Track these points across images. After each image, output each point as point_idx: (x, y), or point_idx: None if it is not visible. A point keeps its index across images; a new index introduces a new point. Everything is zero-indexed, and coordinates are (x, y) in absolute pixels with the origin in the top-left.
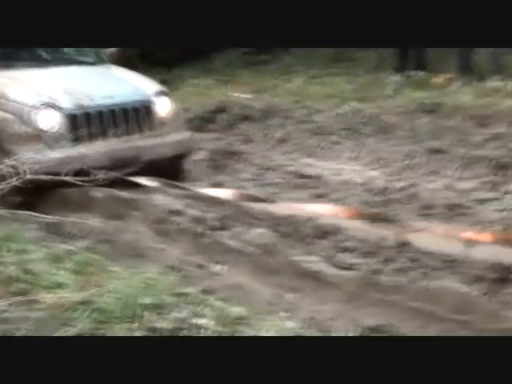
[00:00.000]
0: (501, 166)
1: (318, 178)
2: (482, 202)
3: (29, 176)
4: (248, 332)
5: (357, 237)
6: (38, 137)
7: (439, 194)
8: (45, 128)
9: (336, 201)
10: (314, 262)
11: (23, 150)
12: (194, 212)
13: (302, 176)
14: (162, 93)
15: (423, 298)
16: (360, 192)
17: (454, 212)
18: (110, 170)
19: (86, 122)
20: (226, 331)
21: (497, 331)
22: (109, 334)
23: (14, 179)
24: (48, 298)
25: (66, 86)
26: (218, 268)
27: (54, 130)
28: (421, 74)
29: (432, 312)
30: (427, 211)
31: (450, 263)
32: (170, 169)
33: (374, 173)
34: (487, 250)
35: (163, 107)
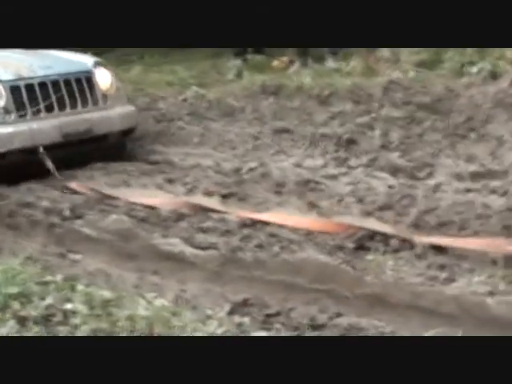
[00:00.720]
0: (346, 143)
1: (168, 163)
2: (332, 177)
3: None
4: (119, 312)
5: (213, 217)
6: None
7: (290, 172)
8: None
9: (188, 184)
10: (174, 244)
11: None
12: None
13: (152, 162)
14: (100, 64)
15: (284, 270)
16: (212, 174)
17: (307, 188)
18: (63, 146)
19: (29, 95)
20: (97, 313)
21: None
22: None
23: None
24: None
25: (1, 60)
26: (77, 256)
27: None
28: (259, 57)
29: (294, 283)
30: (280, 189)
31: (309, 236)
32: (115, 146)
33: (223, 155)
34: (344, 220)
35: (104, 79)
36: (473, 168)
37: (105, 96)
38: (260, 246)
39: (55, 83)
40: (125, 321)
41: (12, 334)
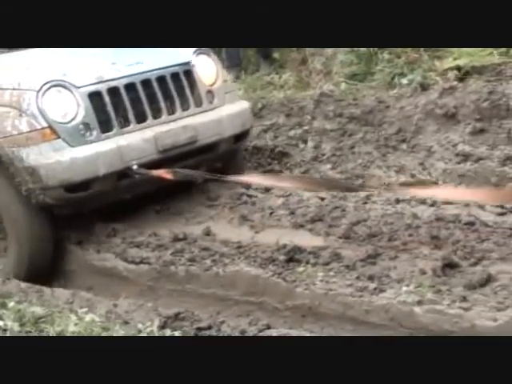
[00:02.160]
0: (278, 155)
1: None
2: (265, 190)
3: None
4: (49, 328)
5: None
6: (50, 131)
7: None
8: (57, 117)
9: None
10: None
11: (30, 154)
12: None
13: None
14: (201, 52)
15: (217, 284)
16: None
17: (240, 201)
18: (162, 164)
19: (114, 102)
20: (29, 330)
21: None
22: None
23: None
24: None
25: (71, 59)
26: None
27: (71, 119)
28: None
29: (226, 296)
30: (213, 202)
31: (240, 249)
32: (228, 155)
33: None
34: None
35: (208, 70)
36: (403, 178)
37: (210, 92)
38: (192, 260)
39: (146, 83)
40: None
41: None
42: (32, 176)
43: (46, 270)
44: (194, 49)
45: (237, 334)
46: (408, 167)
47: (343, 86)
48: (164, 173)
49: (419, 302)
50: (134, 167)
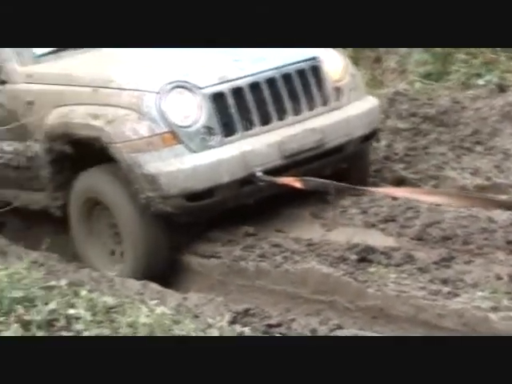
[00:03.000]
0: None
1: None
2: None
3: None
4: (121, 318)
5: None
6: (171, 136)
7: None
8: (178, 121)
9: None
10: None
11: (150, 160)
12: None
13: None
14: None
15: (287, 281)
16: None
17: None
18: (286, 169)
19: (237, 103)
20: (101, 320)
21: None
22: None
23: None
24: None
25: (192, 57)
26: None
27: (193, 122)
28: None
29: (296, 294)
30: None
31: (311, 246)
32: (355, 155)
33: None
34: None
35: (335, 65)
36: (478, 181)
37: (337, 89)
38: (263, 256)
39: (271, 81)
40: (126, 327)
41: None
42: (151, 184)
43: (162, 274)
44: None
45: (307, 333)
46: (483, 170)
47: (418, 85)
48: (292, 181)
49: (494, 309)
50: (259, 174)
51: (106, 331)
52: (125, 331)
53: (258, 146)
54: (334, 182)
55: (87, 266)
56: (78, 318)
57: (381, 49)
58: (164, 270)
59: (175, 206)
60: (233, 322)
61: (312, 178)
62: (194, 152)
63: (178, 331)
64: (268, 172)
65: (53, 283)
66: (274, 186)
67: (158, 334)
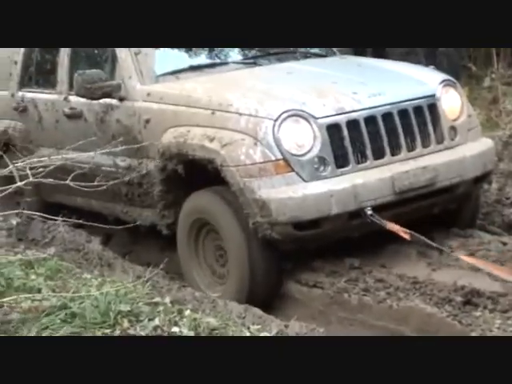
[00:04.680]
0: None
1: None
2: None
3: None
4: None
5: None
6: (284, 164)
7: None
8: (293, 149)
9: None
10: None
11: (262, 186)
12: None
13: None
14: (448, 83)
15: (389, 317)
16: None
17: None
18: (396, 205)
19: (351, 135)
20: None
21: None
22: None
23: None
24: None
25: (310, 84)
26: None
27: (307, 151)
28: None
29: (397, 331)
30: None
31: (416, 284)
32: (465, 197)
33: None
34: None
35: (452, 104)
36: None
37: (453, 128)
38: (366, 290)
39: (387, 116)
40: None
41: None
42: (261, 209)
43: (264, 299)
44: (440, 79)
45: None
46: None
47: None
48: (400, 230)
49: None
50: (369, 212)
51: None
52: None
53: (370, 180)
54: (437, 245)
55: (190, 285)
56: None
57: (499, 90)
58: (266, 296)
59: (282, 234)
60: None
61: (418, 235)
62: (306, 181)
63: None
64: (378, 207)
65: (157, 299)
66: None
67: None
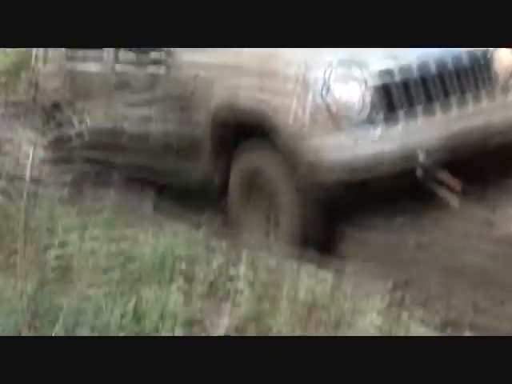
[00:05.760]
0: None
1: None
2: None
3: None
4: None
5: None
6: (335, 123)
7: None
8: (343, 109)
9: None
10: None
11: (313, 145)
12: None
13: None
14: None
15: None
16: None
17: None
18: (448, 164)
19: (402, 92)
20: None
21: None
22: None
23: None
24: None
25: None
26: None
27: (358, 110)
28: None
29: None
30: None
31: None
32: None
33: None
34: None
35: (507, 63)
36: None
37: (507, 87)
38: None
39: (441, 66)
40: (290, 288)
41: (179, 291)
42: (312, 168)
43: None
44: None
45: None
46: None
47: None
48: (449, 196)
49: None
50: (419, 172)
51: (268, 291)
52: (287, 291)
53: (422, 138)
54: None
55: (241, 243)
56: (239, 278)
57: None
58: (318, 255)
59: (334, 192)
60: (393, 289)
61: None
62: (357, 141)
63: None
64: (429, 166)
65: (214, 244)
66: (433, 181)
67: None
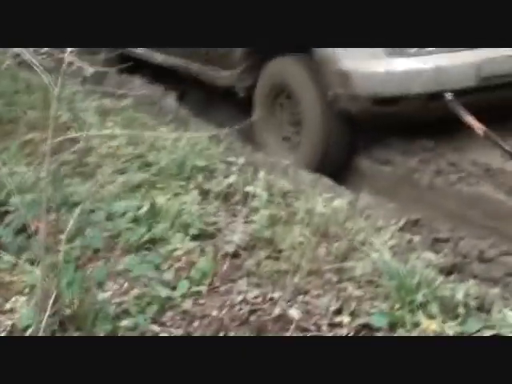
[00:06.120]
0: None
1: None
2: None
3: None
4: (297, 204)
5: None
6: None
7: None
8: None
9: None
10: None
11: (346, 57)
12: None
13: None
14: None
15: (458, 201)
16: None
17: None
18: (479, 92)
19: None
20: (277, 201)
21: None
22: (164, 189)
23: None
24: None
25: None
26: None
27: None
28: None
29: (466, 215)
30: None
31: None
32: None
33: None
34: None
35: None
36: None
37: None
38: (438, 172)
39: None
40: (303, 213)
41: (195, 204)
42: (343, 81)
43: (333, 171)
44: None
45: (475, 253)
46: None
47: None
48: (475, 124)
49: None
50: (449, 97)
51: (282, 213)
52: (301, 216)
53: (454, 63)
54: (508, 149)
55: (262, 150)
56: (254, 196)
57: None
58: (336, 168)
59: (361, 108)
60: (402, 228)
61: (493, 134)
62: (391, 57)
63: (350, 226)
64: (458, 92)
65: (232, 159)
66: (460, 106)
67: (332, 226)
